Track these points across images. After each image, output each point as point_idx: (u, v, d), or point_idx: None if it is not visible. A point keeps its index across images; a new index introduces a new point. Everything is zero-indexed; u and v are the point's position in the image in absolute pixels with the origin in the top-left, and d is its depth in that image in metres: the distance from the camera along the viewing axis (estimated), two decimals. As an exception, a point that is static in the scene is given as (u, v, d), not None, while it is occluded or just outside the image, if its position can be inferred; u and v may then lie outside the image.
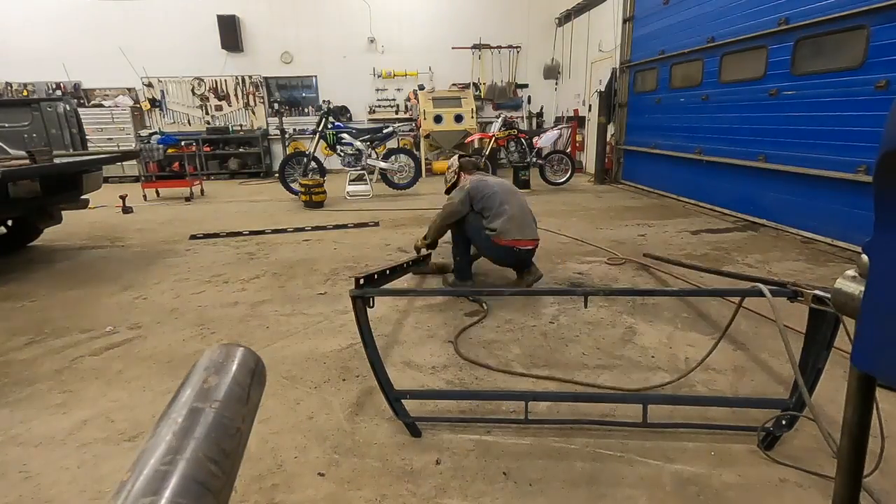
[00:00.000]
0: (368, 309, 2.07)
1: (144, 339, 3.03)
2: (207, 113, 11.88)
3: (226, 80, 11.79)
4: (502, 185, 3.72)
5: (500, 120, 9.00)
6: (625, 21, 8.67)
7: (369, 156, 8.44)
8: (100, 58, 11.03)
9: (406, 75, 12.11)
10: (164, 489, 0.39)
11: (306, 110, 12.19)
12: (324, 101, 9.45)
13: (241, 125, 12.00)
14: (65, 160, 4.68)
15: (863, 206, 4.40)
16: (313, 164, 8.18)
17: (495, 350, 2.78)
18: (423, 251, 3.92)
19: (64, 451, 1.99)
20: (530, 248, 3.61)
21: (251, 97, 11.93)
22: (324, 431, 2.07)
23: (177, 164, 10.63)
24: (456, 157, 4.16)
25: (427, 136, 10.94)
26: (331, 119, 8.35)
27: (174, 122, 11.81)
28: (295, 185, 8.11)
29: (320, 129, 8.26)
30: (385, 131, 8.58)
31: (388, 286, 2.66)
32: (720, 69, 6.31)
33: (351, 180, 8.60)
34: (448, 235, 3.78)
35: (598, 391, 2.34)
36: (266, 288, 3.90)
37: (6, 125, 5.50)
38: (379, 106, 12.32)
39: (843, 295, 0.70)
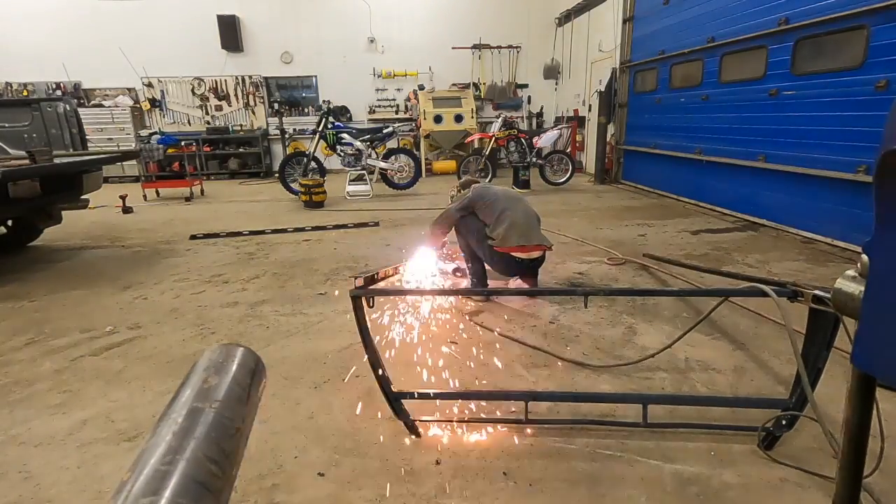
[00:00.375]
0: (368, 309, 2.07)
1: (144, 339, 3.03)
2: (207, 113, 11.88)
3: (226, 80, 11.79)
4: (506, 193, 3.65)
5: (500, 120, 9.00)
6: (625, 21, 8.67)
7: (369, 156, 8.44)
8: (100, 58, 11.04)
9: (406, 75, 12.11)
10: (164, 489, 0.39)
11: (306, 110, 12.19)
12: (324, 101, 9.46)
13: (241, 125, 12.01)
14: (65, 160, 4.68)
15: (863, 206, 4.40)
16: (313, 164, 8.18)
17: (496, 350, 2.77)
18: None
19: (64, 451, 1.99)
20: (535, 255, 3.45)
21: (251, 97, 11.93)
22: (324, 431, 2.07)
23: (177, 164, 10.63)
24: (458, 183, 4.14)
25: (427, 136, 10.95)
26: (331, 119, 8.35)
27: (174, 122, 11.82)
28: (295, 185, 8.12)
29: (320, 129, 8.27)
30: (385, 131, 8.59)
31: (388, 286, 2.65)
32: (720, 69, 6.31)
33: (351, 180, 8.60)
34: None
35: (598, 391, 2.34)
36: (266, 288, 3.90)
37: (6, 125, 5.50)
38: (379, 106, 12.32)
39: (843, 295, 0.70)
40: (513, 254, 3.38)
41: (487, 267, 3.63)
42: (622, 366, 2.54)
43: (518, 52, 12.26)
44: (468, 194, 3.62)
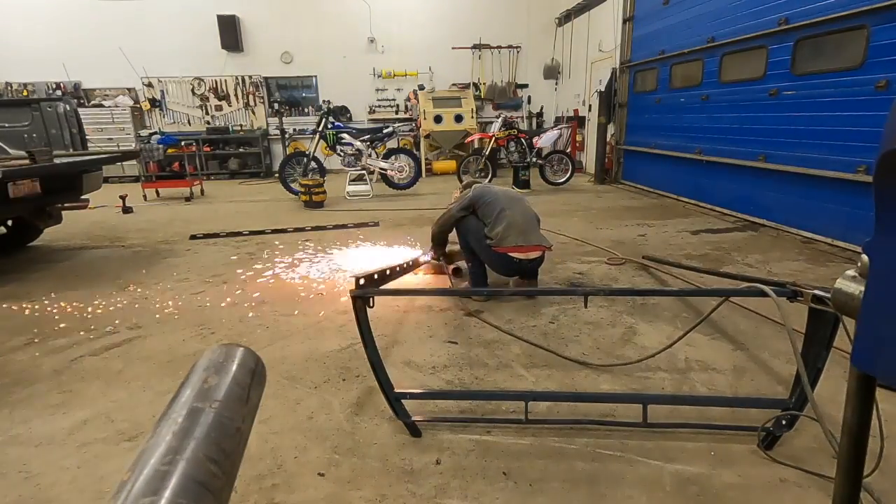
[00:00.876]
0: (368, 309, 2.07)
1: (144, 339, 3.03)
2: (207, 113, 11.88)
3: (226, 80, 11.79)
4: (506, 193, 3.66)
5: (500, 120, 9.00)
6: (625, 21, 8.67)
7: (369, 156, 8.44)
8: (100, 58, 11.04)
9: (406, 75, 12.11)
10: (164, 489, 0.39)
11: (306, 110, 12.19)
12: (324, 101, 9.46)
13: (241, 125, 12.01)
14: (65, 160, 4.68)
15: (863, 206, 4.40)
16: (313, 164, 8.19)
17: (496, 350, 2.78)
18: (430, 257, 3.89)
19: (64, 451, 1.99)
20: (533, 256, 3.43)
21: (251, 97, 11.93)
22: (324, 431, 2.07)
23: (177, 164, 10.64)
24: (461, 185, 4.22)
25: (427, 136, 10.95)
26: (331, 119, 8.35)
27: (174, 122, 11.81)
28: (295, 185, 8.12)
29: (320, 129, 8.27)
30: (385, 131, 8.59)
31: (388, 286, 2.66)
32: (720, 69, 6.31)
33: (351, 180, 8.60)
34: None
35: (598, 391, 2.34)
36: (266, 288, 3.89)
37: (6, 125, 5.51)
38: (379, 106, 12.32)
39: (843, 295, 0.70)
40: (510, 254, 3.38)
41: (488, 268, 3.64)
42: (622, 365, 2.54)
43: (518, 52, 12.26)
44: (469, 194, 3.63)
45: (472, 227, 3.53)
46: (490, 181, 8.23)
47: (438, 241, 3.79)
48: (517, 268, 3.49)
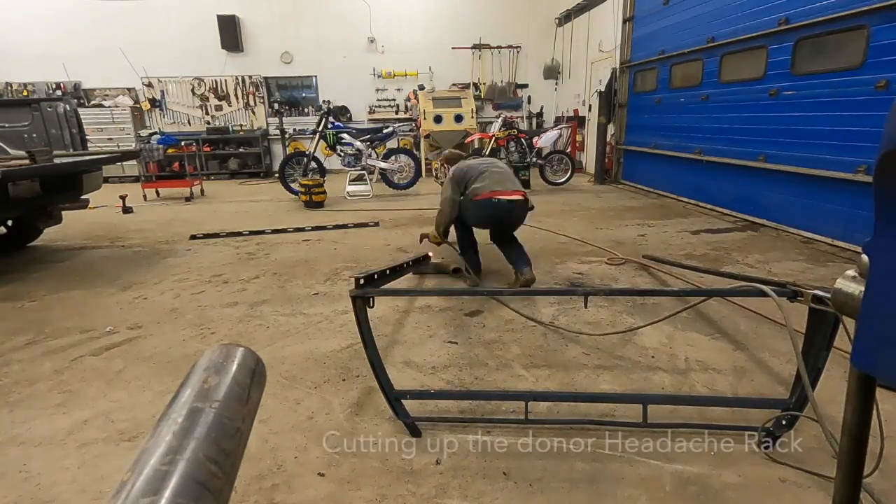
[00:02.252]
0: (368, 309, 2.07)
1: (144, 339, 3.03)
2: (207, 113, 11.88)
3: (226, 80, 11.79)
4: (482, 160, 3.97)
5: (500, 120, 9.01)
6: (625, 21, 8.67)
7: (369, 156, 8.44)
8: (100, 58, 11.03)
9: (406, 75, 12.11)
10: (164, 489, 0.39)
11: (306, 110, 12.19)
12: (324, 101, 9.47)
13: (241, 125, 12.00)
14: (65, 160, 4.68)
15: (863, 206, 4.40)
16: (313, 164, 8.19)
17: (495, 350, 2.77)
18: (427, 247, 4.03)
19: (64, 451, 1.99)
20: (511, 198, 3.64)
21: (251, 97, 11.93)
22: (324, 431, 2.07)
23: (177, 164, 10.62)
24: (440, 154, 4.43)
25: (427, 136, 10.94)
26: (331, 119, 8.35)
27: (174, 122, 11.81)
28: (295, 185, 8.12)
29: (320, 129, 8.27)
30: (385, 131, 8.59)
31: (388, 286, 2.66)
32: (720, 69, 6.31)
33: (351, 180, 8.60)
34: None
35: (598, 391, 2.34)
36: (266, 288, 3.90)
37: (6, 125, 5.51)
38: (379, 106, 12.32)
39: (843, 295, 0.70)
40: (490, 197, 3.58)
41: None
42: (610, 334, 2.54)
43: (518, 52, 12.25)
44: (450, 175, 3.87)
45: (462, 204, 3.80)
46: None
47: (444, 228, 3.97)
48: (498, 212, 3.66)
